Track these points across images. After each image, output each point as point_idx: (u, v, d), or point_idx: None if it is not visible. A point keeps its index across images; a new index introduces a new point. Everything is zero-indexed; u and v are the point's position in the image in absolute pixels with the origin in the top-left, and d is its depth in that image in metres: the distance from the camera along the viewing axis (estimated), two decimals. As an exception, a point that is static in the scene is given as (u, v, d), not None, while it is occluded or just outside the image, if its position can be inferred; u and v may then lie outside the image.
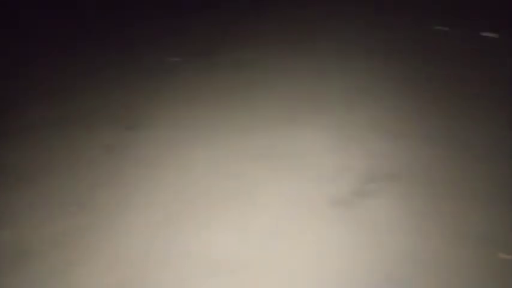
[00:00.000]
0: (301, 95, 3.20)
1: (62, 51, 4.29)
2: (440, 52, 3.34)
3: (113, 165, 2.67)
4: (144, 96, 3.39)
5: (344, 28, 4.06)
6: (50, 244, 2.11)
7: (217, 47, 4.05)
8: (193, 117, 3.10)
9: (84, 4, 5.17)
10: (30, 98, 3.49)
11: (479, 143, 2.55)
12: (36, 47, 4.46)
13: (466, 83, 3.06)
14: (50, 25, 4.93)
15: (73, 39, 4.58)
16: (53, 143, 2.91)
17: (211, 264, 1.94)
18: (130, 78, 3.67)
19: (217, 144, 2.80)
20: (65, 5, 5.22)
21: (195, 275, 1.89)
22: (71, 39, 4.59)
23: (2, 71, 3.99)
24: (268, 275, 1.88)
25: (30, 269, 1.97)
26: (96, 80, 3.68)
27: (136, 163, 2.67)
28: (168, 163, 2.66)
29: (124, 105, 3.30)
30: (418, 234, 2.04)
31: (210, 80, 3.54)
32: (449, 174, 2.38)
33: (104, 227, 2.20)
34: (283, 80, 3.42)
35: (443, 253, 1.93)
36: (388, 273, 1.84)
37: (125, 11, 5.11)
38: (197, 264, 1.94)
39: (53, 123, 3.12)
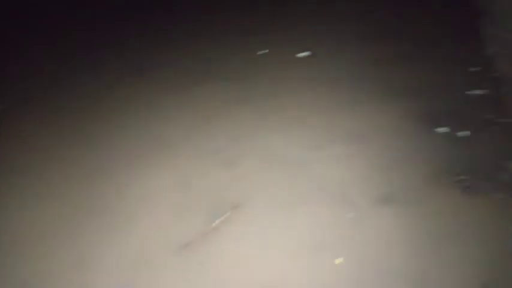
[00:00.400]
0: (138, 135, 3.14)
1: None
2: (263, 73, 3.57)
3: None
4: None
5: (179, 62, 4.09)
6: None
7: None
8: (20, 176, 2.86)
9: None
10: None
11: (308, 161, 2.77)
12: None
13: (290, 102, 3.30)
14: None
15: None
16: None
17: None
18: None
19: (51, 200, 2.64)
20: None
21: None
22: None
23: None
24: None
25: None
26: None
27: None
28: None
29: None
30: (264, 258, 2.16)
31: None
32: (289, 194, 2.55)
33: None
34: (123, 122, 3.33)
35: (288, 270, 2.08)
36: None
37: None
38: None
39: None
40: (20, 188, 2.81)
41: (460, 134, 2.73)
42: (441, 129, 2.79)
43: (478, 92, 3.05)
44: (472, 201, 2.37)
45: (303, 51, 3.63)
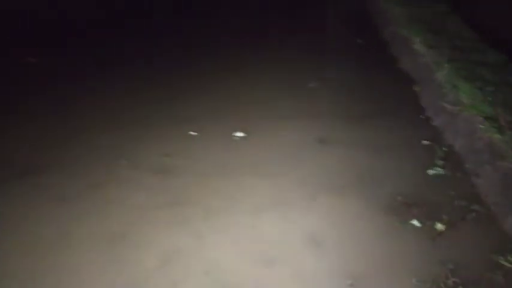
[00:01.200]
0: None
1: None
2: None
3: None
4: None
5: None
6: None
7: None
8: None
9: None
10: None
11: (263, 283, 2.21)
12: None
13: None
14: None
15: None
16: None
17: None
18: None
19: None
20: None
21: None
22: None
23: None
24: None
25: None
26: None
27: None
28: None
29: None
30: None
31: None
32: None
33: None
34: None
35: None
36: None
37: None
38: None
39: None
40: None
41: (436, 226, 2.35)
42: (413, 222, 2.39)
43: (437, 171, 2.74)
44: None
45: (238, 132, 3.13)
